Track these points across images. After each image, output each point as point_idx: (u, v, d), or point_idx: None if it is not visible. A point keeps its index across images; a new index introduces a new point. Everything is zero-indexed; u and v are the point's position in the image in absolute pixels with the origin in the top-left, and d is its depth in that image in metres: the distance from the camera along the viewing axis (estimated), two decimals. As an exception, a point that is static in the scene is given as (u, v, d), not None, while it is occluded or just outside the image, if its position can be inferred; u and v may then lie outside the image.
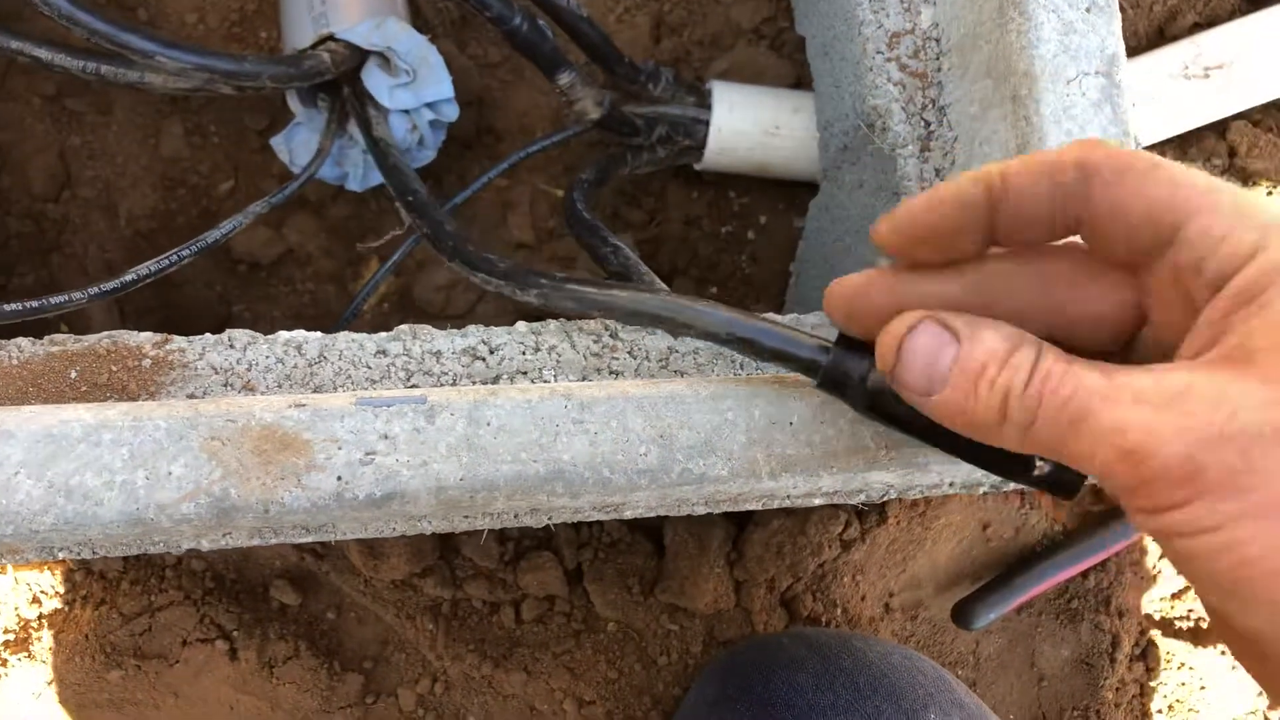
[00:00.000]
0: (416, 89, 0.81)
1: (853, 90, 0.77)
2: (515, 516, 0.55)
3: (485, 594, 0.79)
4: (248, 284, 0.95)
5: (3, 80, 0.89)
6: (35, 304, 0.63)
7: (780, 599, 0.82)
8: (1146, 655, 0.92)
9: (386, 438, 0.51)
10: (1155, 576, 0.93)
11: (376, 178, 0.88)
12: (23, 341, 0.55)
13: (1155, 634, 0.92)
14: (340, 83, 0.81)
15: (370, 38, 0.79)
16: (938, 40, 0.73)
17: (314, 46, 0.79)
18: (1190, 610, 0.93)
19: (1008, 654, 0.88)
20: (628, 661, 0.80)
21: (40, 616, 0.75)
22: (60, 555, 0.49)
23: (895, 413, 0.44)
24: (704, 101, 0.87)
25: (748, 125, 0.87)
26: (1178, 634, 0.92)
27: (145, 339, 0.55)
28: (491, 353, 0.59)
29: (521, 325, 0.60)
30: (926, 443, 0.44)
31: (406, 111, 0.82)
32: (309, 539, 0.52)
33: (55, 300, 0.63)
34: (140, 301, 0.94)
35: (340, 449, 0.50)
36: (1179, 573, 0.32)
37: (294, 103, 0.83)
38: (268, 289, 0.96)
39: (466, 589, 0.79)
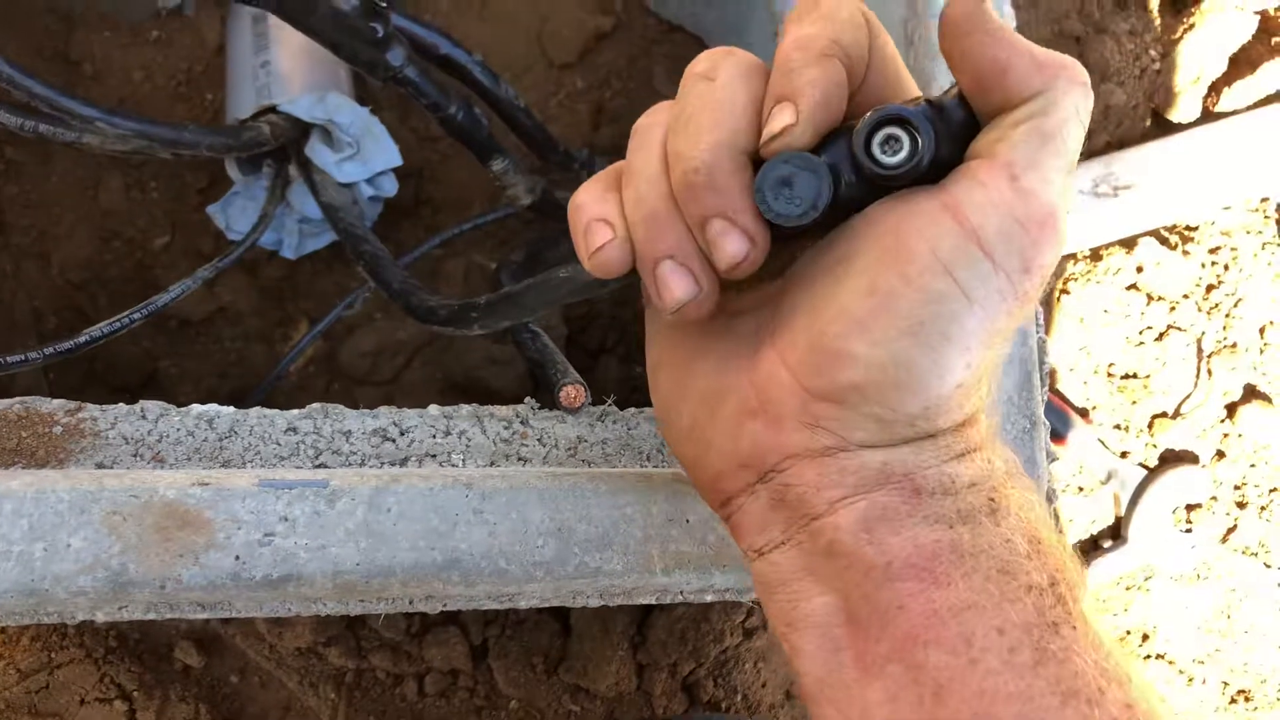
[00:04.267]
0: (364, 160, 0.83)
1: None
2: (410, 603, 0.56)
3: (390, 665, 0.80)
4: (176, 340, 0.96)
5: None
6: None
7: (682, 683, 0.83)
8: None
9: (286, 519, 0.52)
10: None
11: (310, 245, 0.89)
12: (-67, 402, 0.55)
13: None
14: (282, 151, 0.83)
15: (312, 111, 0.81)
16: None
17: (255, 117, 0.81)
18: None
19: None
20: (527, 740, 0.81)
21: (-64, 670, 0.75)
22: (-49, 621, 0.49)
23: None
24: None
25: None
26: None
27: (58, 406, 0.56)
28: (402, 434, 0.60)
29: (434, 408, 0.62)
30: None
31: (347, 185, 0.84)
32: (205, 615, 0.52)
33: (12, 359, 0.64)
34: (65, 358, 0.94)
35: (240, 529, 0.51)
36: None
37: (233, 170, 0.84)
38: (196, 346, 0.96)
39: (371, 659, 0.79)
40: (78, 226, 0.96)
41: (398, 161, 0.84)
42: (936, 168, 0.36)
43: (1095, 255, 0.99)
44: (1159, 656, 1.00)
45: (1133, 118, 0.99)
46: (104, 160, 0.95)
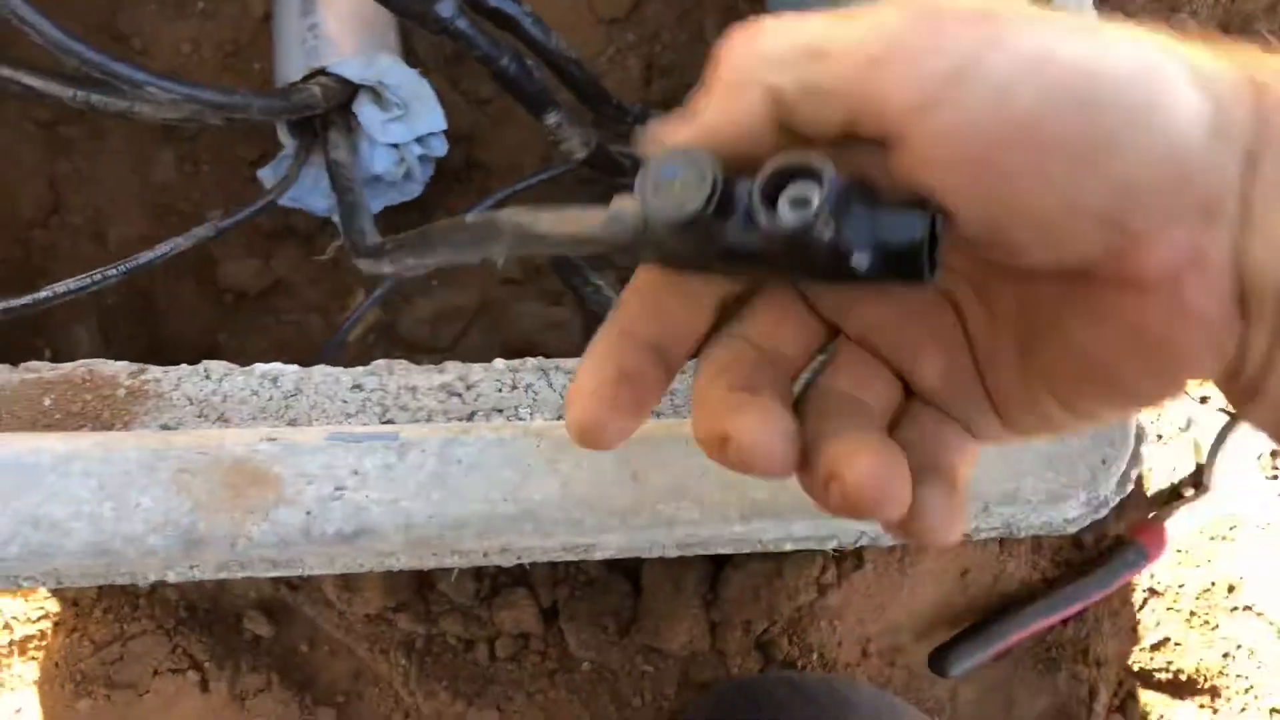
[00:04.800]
0: (409, 122, 0.81)
1: None
2: (485, 555, 0.54)
3: (460, 630, 0.79)
4: (234, 315, 0.95)
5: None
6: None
7: (756, 642, 0.81)
8: (1125, 708, 0.92)
9: (357, 473, 0.51)
10: (1135, 628, 0.92)
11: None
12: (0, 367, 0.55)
13: (1134, 686, 0.92)
14: (330, 115, 0.82)
15: (362, 72, 0.80)
16: None
17: (305, 80, 0.80)
18: (1170, 662, 0.92)
19: (984, 702, 0.88)
20: (601, 702, 0.80)
21: (11, 643, 0.75)
22: (25, 584, 0.48)
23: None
24: (692, 143, 0.87)
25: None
26: (1157, 686, 0.92)
27: (121, 368, 0.55)
28: (468, 389, 0.59)
29: (499, 362, 0.60)
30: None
31: (395, 145, 0.83)
32: (277, 573, 0.51)
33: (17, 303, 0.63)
34: (126, 330, 0.94)
35: (310, 484, 0.50)
36: (959, 183, 0.26)
37: (284, 135, 0.83)
38: (254, 320, 0.96)
39: (441, 625, 0.78)
40: (132, 203, 0.95)
41: (442, 125, 0.83)
42: (836, 258, 0.29)
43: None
44: (1247, 608, 0.96)
45: None
46: (155, 135, 0.94)
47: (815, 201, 0.29)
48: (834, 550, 0.80)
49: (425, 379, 0.59)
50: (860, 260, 0.31)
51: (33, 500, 0.47)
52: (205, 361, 0.56)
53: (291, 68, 0.82)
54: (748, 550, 0.57)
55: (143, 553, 0.48)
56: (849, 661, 0.84)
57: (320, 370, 0.58)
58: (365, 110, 0.81)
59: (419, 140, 0.83)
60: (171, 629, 0.76)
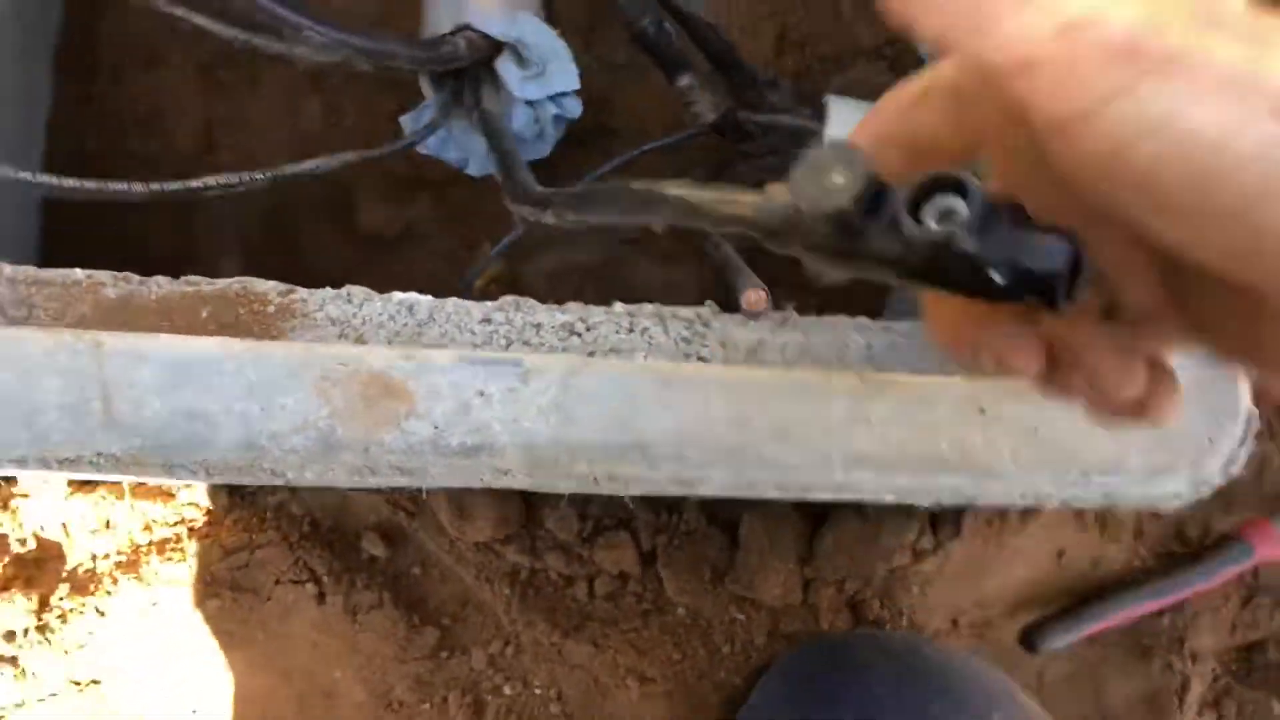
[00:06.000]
0: (545, 81, 0.85)
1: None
2: (595, 481, 0.57)
3: (562, 566, 0.82)
4: (368, 258, 1.00)
5: (162, 49, 0.95)
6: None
7: (848, 601, 0.83)
8: (1219, 704, 0.91)
9: (483, 394, 0.55)
10: (1235, 626, 0.92)
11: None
12: (161, 279, 0.59)
13: (1230, 683, 0.91)
14: (472, 70, 0.86)
15: (504, 29, 0.83)
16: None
17: (451, 34, 0.84)
18: (1269, 664, 0.91)
19: (1073, 683, 0.88)
20: (692, 645, 0.82)
21: (150, 543, 0.81)
22: (180, 476, 0.53)
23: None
24: (819, 114, 0.89)
25: (858, 140, 0.89)
26: (1254, 685, 0.91)
27: (271, 287, 0.60)
28: (588, 329, 0.62)
29: (619, 306, 0.63)
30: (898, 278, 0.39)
31: (531, 104, 0.86)
32: (403, 483, 0.55)
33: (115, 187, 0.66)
34: (269, 266, 1.00)
35: (440, 400, 0.54)
36: (1105, 195, 0.26)
37: (427, 87, 0.87)
38: (386, 264, 1.01)
39: (545, 559, 0.82)
40: (280, 148, 1.01)
41: (575, 85, 0.86)
42: (974, 272, 0.32)
43: None
44: None
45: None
46: (304, 85, 0.99)
47: (960, 215, 0.32)
48: (935, 509, 0.81)
49: (549, 317, 0.62)
50: (997, 278, 0.34)
51: (189, 395, 0.52)
52: (348, 286, 0.60)
53: (438, 24, 0.86)
54: (848, 498, 0.59)
55: (285, 450, 0.52)
56: (938, 630, 0.85)
57: (453, 302, 0.61)
58: (506, 67, 0.84)
59: (554, 99, 0.87)
60: (295, 543, 0.81)
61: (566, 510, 0.83)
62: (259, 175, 0.69)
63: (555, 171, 0.96)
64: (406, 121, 0.89)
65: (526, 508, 0.82)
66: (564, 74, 0.85)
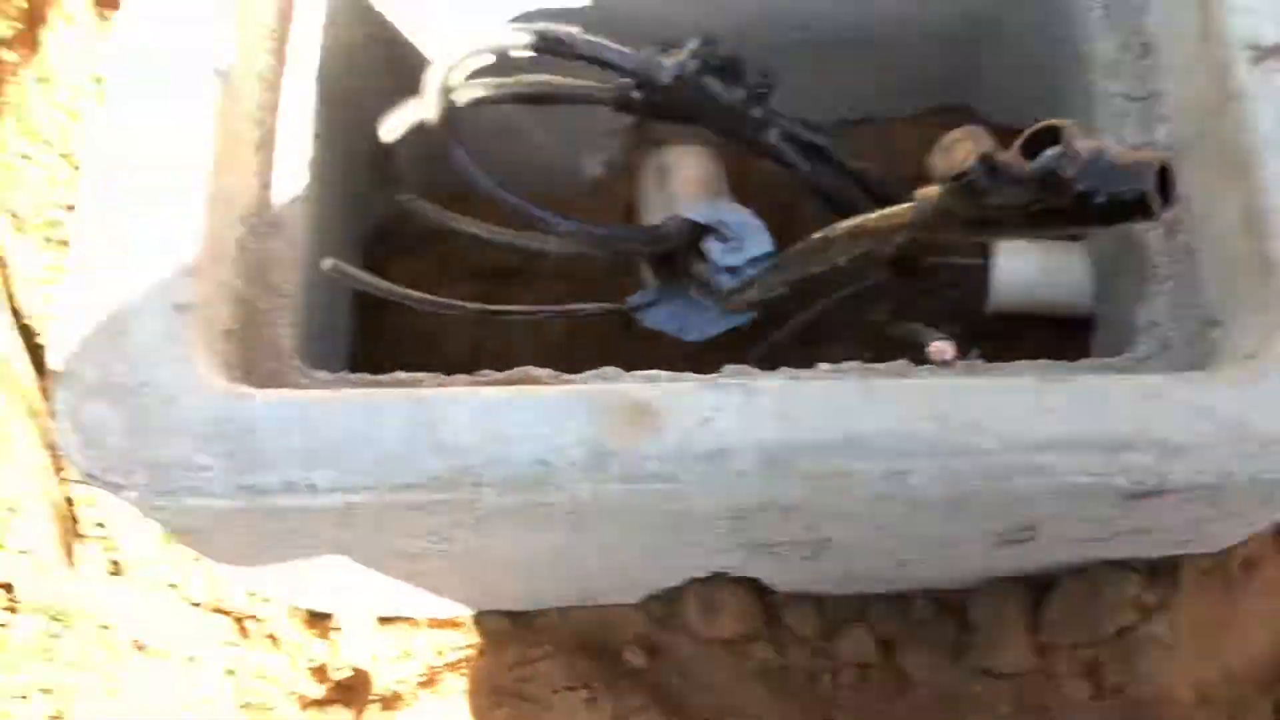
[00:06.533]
0: (744, 249, 1.01)
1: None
2: (818, 481, 0.67)
3: (806, 660, 0.89)
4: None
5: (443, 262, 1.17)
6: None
7: (1085, 665, 0.86)
8: None
9: (719, 409, 0.67)
10: None
11: (707, 331, 1.08)
12: (460, 376, 0.75)
13: None
14: (683, 250, 1.04)
15: (707, 214, 1.02)
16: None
17: (664, 223, 1.03)
18: None
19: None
20: (940, 720, 0.86)
21: (445, 664, 0.93)
22: (484, 489, 0.66)
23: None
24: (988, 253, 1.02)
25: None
26: None
27: (545, 373, 0.75)
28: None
29: (824, 365, 0.75)
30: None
31: (733, 269, 1.03)
32: (662, 488, 0.66)
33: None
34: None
35: (684, 415, 0.67)
36: None
37: (646, 272, 1.05)
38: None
39: (789, 655, 0.89)
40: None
41: (769, 248, 1.02)
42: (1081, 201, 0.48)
43: None
44: None
45: None
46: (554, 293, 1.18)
47: (1061, 153, 0.47)
48: (1149, 568, 0.84)
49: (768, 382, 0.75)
50: (1100, 199, 0.50)
51: (493, 423, 0.66)
52: (601, 368, 0.75)
53: (651, 216, 1.06)
54: (1043, 480, 0.66)
55: (567, 462, 0.65)
56: (1185, 703, 0.86)
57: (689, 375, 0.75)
58: (710, 244, 1.02)
59: (751, 262, 1.03)
60: (567, 657, 0.91)
61: (805, 607, 0.91)
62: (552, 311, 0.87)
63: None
64: (633, 300, 1.07)
65: (765, 605, 0.91)
66: (759, 241, 1.02)
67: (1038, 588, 0.87)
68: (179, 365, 0.68)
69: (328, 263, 0.78)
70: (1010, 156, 0.53)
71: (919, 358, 0.76)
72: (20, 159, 1.15)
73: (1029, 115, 0.98)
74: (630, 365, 0.84)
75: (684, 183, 1.09)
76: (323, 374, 0.75)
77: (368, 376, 0.75)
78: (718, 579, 0.89)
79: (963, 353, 0.75)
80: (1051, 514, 0.73)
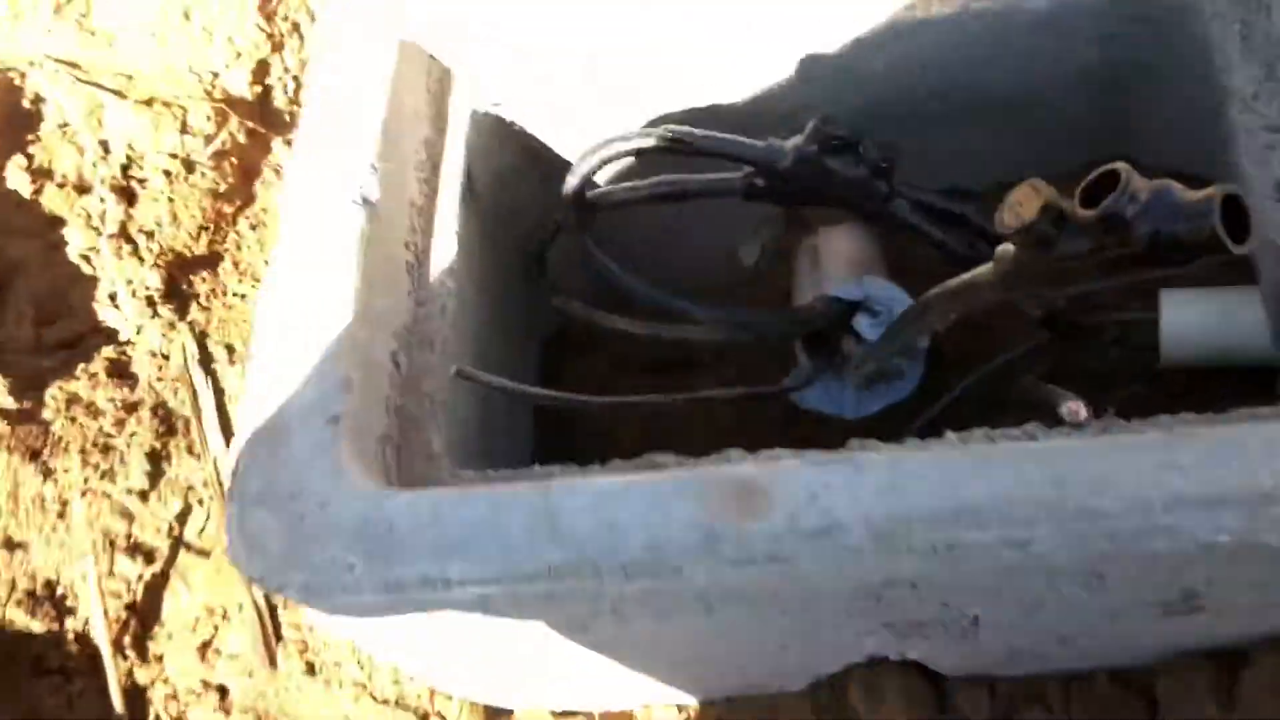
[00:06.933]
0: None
1: None
2: (935, 553, 0.65)
3: (982, 748, 0.85)
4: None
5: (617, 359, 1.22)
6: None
7: (1288, 747, 0.78)
8: None
9: (826, 485, 0.67)
10: None
11: (866, 408, 1.06)
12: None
13: None
14: (833, 329, 1.04)
15: (853, 292, 1.02)
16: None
17: (812, 303, 1.03)
18: None
19: None
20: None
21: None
22: (606, 582, 0.68)
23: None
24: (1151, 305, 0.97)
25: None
26: None
27: (670, 459, 0.76)
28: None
29: (950, 434, 0.73)
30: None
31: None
32: (776, 570, 0.66)
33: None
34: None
35: (791, 493, 0.67)
36: None
37: (800, 353, 1.06)
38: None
39: (963, 742, 0.86)
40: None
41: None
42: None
43: None
44: None
45: None
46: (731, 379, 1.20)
47: (1119, 192, 0.48)
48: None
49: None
50: (1167, 238, 0.51)
51: (608, 512, 0.68)
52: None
53: (801, 297, 1.06)
54: (1180, 545, 0.62)
55: (678, 547, 0.67)
56: None
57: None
58: (859, 319, 1.02)
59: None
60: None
61: (977, 691, 0.87)
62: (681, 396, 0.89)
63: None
64: (788, 383, 1.07)
65: (936, 691, 0.88)
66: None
67: (1230, 663, 0.80)
68: (332, 472, 0.74)
69: (454, 369, 0.83)
70: (1072, 204, 0.53)
71: (1054, 420, 0.73)
72: (236, 299, 1.29)
73: (1188, 159, 0.94)
74: (800, 447, 0.85)
75: (833, 262, 1.09)
76: (468, 472, 0.80)
77: (508, 472, 0.80)
78: (881, 664, 0.87)
79: (1098, 413, 0.72)
80: (1207, 579, 0.68)
